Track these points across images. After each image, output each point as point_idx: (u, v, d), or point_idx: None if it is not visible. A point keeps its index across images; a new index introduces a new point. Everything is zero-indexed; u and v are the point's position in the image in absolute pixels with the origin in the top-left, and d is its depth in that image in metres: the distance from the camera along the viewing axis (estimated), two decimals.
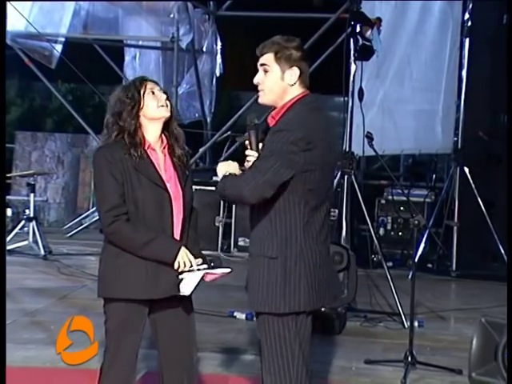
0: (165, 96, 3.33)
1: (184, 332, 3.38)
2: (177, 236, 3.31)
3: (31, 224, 8.86)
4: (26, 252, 8.78)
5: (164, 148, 3.36)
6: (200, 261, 3.33)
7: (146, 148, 3.30)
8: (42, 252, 8.65)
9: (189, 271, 3.27)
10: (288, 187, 3.06)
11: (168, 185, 3.29)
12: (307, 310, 3.16)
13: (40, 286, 7.35)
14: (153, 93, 3.31)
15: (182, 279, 3.26)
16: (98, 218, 10.69)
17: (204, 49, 11.42)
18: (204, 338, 5.47)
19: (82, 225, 10.66)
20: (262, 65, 3.15)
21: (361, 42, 6.54)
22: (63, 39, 10.75)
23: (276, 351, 3.12)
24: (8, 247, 8.77)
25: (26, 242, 8.81)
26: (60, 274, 7.90)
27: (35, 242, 8.77)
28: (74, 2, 10.65)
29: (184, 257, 3.24)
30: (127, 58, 11.66)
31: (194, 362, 3.42)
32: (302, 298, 3.11)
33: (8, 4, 10.29)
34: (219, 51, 11.57)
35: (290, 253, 3.09)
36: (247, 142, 3.19)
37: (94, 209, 10.75)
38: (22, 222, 9.05)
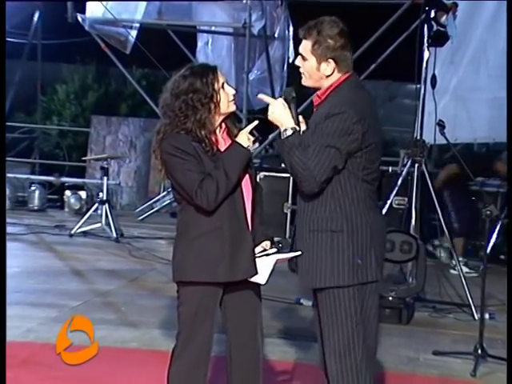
0: (233, 91, 3.32)
1: (252, 316, 3.40)
2: (249, 217, 3.31)
3: (104, 207, 9.04)
4: (98, 234, 8.99)
5: (223, 132, 3.36)
6: (268, 243, 3.33)
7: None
8: (114, 235, 8.84)
9: (260, 256, 3.27)
10: (349, 165, 3.10)
11: None
12: (375, 280, 3.16)
13: (112, 267, 7.51)
14: (223, 88, 3.30)
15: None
16: (168, 201, 10.87)
17: (276, 35, 11.40)
18: (270, 324, 5.51)
19: (153, 208, 10.84)
20: (300, 53, 3.20)
21: (435, 27, 6.42)
22: (138, 25, 10.92)
23: (340, 326, 3.11)
24: (82, 229, 9.03)
25: (98, 225, 9.01)
26: (131, 257, 8.06)
27: (108, 224, 8.96)
28: None
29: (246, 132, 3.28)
30: (200, 44, 11.74)
31: (260, 346, 3.44)
32: (369, 268, 3.13)
33: None
34: (291, 37, 11.53)
35: (356, 225, 3.11)
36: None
37: (165, 193, 10.92)
38: (96, 205, 9.25)
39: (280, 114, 3.17)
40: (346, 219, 3.10)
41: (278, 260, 3.29)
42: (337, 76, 3.17)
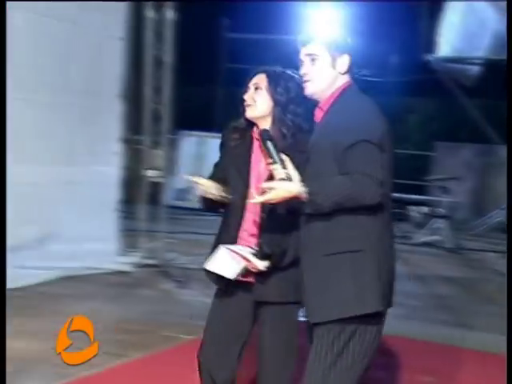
0: (247, 97, 3.15)
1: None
2: (244, 231, 3.12)
3: (443, 221, 10.28)
4: (437, 245, 10.14)
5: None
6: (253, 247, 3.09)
7: (253, 134, 3.19)
8: (451, 246, 9.94)
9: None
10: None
11: (252, 180, 3.12)
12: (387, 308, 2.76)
13: (449, 275, 8.34)
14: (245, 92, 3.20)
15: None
16: (500, 219, 11.46)
17: None
18: None
19: (485, 225, 11.73)
20: (309, 54, 2.81)
21: None
22: (481, 61, 11.85)
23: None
24: (422, 239, 10.31)
25: (437, 237, 10.24)
26: (465, 267, 8.88)
27: (445, 236, 10.12)
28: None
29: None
30: None
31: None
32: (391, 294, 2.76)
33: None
34: None
35: (383, 246, 2.72)
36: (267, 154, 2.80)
37: (497, 211, 11.69)
38: (435, 219, 10.52)
39: (287, 189, 2.65)
40: (377, 240, 2.68)
41: (232, 252, 3.00)
42: (343, 80, 2.80)
